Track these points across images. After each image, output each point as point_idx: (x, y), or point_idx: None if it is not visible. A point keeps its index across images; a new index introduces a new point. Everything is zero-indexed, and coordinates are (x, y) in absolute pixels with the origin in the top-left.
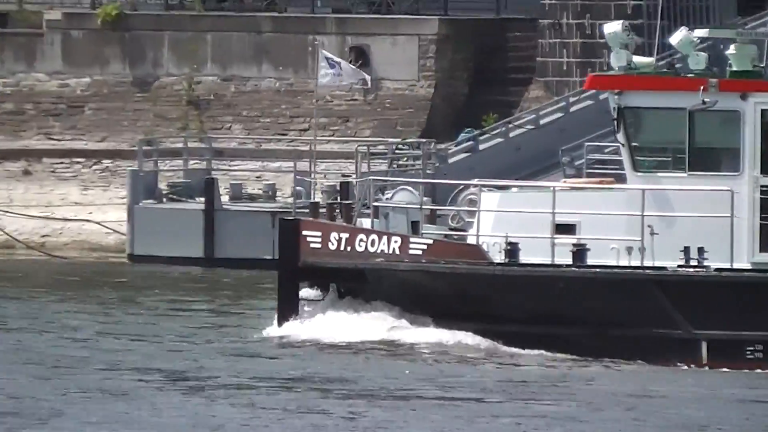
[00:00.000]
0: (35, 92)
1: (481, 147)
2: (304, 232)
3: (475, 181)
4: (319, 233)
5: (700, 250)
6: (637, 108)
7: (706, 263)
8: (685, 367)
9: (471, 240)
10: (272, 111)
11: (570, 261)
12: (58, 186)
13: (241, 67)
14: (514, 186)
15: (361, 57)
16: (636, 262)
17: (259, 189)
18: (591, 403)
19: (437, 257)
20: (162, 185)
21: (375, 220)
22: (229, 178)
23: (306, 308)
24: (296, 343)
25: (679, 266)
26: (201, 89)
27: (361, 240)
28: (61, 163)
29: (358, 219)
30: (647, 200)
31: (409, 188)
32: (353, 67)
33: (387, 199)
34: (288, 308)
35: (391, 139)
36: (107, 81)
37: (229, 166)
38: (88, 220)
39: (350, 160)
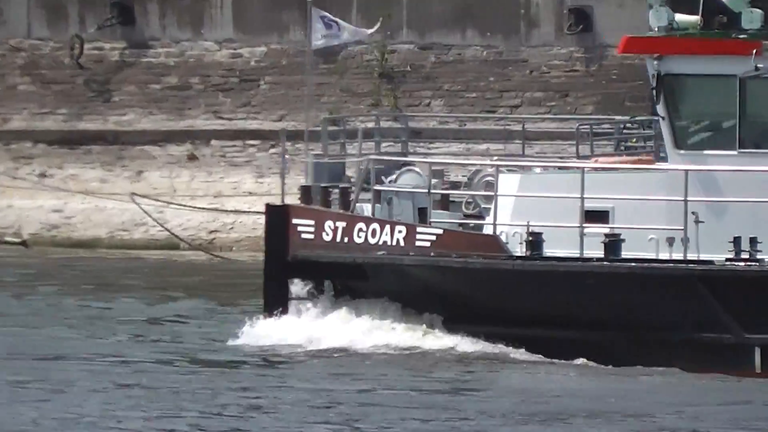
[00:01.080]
0: (202, 64)
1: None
2: (295, 221)
3: (491, 161)
4: (311, 221)
5: (753, 241)
6: (680, 75)
7: (759, 256)
8: (736, 378)
9: (487, 230)
10: (478, 84)
11: (601, 254)
12: (229, 173)
13: (442, 34)
14: (537, 166)
15: (582, 20)
16: (678, 255)
17: (464, 176)
18: (627, 420)
19: (448, 250)
20: (350, 172)
21: (376, 206)
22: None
23: (296, 308)
24: (284, 349)
25: (728, 260)
26: (395, 59)
27: (360, 230)
28: (233, 146)
29: (358, 205)
30: (691, 183)
31: (416, 169)
32: (353, 27)
33: (390, 181)
34: (275, 308)
35: (617, 117)
36: (286, 50)
37: (428, 149)
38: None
39: (569, 142)
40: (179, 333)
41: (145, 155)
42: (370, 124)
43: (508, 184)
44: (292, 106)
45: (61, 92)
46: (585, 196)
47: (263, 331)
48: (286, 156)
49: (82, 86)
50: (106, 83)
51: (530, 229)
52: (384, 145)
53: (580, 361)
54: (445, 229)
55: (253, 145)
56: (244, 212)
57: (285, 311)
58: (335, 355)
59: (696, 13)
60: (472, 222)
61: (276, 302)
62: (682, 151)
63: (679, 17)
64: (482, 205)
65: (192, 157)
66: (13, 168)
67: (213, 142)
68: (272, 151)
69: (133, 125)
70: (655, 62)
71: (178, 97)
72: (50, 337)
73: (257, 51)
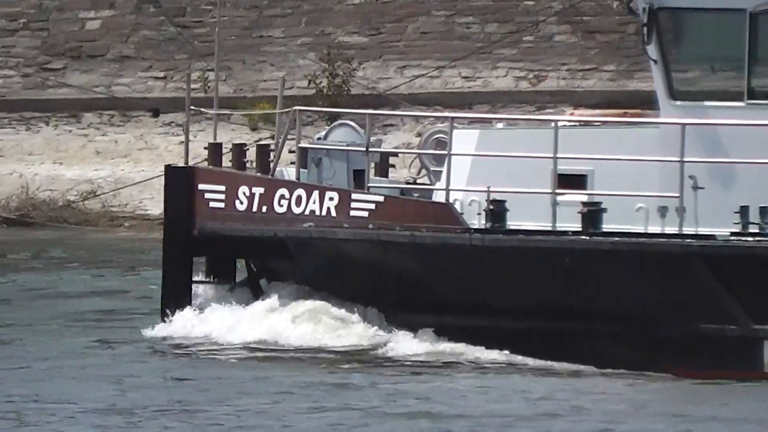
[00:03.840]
0: None
1: None
2: (201, 186)
3: (444, 114)
4: (222, 187)
5: (763, 212)
6: (677, 9)
7: None
8: (741, 378)
9: (439, 196)
10: None
11: (579, 226)
12: None
13: None
14: (500, 119)
15: None
16: (673, 229)
17: None
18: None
19: (390, 221)
20: None
21: (302, 169)
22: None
23: (202, 295)
24: (186, 347)
25: (734, 234)
26: None
27: (282, 197)
28: None
29: (280, 168)
30: (689, 140)
31: (351, 123)
32: None
33: (319, 138)
34: (176, 296)
35: None
36: None
37: None
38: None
39: None
40: None
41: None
42: None
43: (464, 141)
44: None
45: (607, 44)
46: (558, 155)
47: (163, 326)
48: None
49: (633, 37)
50: None
51: (491, 195)
52: None
53: (553, 358)
54: (386, 196)
55: None
56: None
57: (188, 299)
58: (244, 356)
59: None
60: (418, 187)
61: (177, 288)
62: (678, 102)
63: None
64: (432, 168)
65: None
66: None
67: None
68: None
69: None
70: None
71: None
72: None
73: None
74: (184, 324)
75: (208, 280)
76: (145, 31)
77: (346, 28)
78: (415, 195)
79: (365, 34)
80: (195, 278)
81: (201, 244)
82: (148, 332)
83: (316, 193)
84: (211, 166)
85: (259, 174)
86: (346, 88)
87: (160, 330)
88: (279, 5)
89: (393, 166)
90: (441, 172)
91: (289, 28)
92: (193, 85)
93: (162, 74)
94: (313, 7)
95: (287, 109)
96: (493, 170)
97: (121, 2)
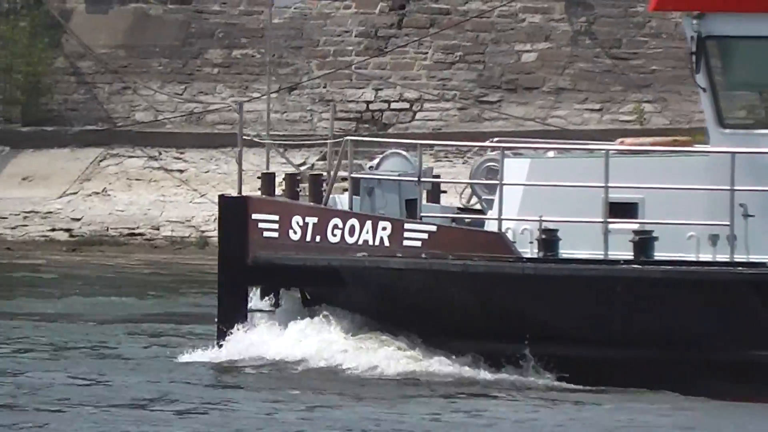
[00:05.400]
0: None
1: None
2: (255, 216)
3: (494, 143)
4: (275, 217)
5: None
6: (726, 37)
7: None
8: None
9: (491, 226)
10: None
11: (630, 255)
12: None
13: None
14: (551, 148)
15: None
16: (723, 257)
17: None
18: None
19: (443, 250)
20: None
21: (355, 197)
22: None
23: (257, 322)
24: (242, 372)
25: None
26: None
27: (335, 226)
28: None
29: (333, 196)
30: (739, 168)
31: (404, 153)
32: None
33: (371, 168)
34: (231, 323)
35: None
36: None
37: None
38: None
39: None
40: None
41: None
42: None
43: (515, 170)
44: None
45: None
46: (610, 184)
47: (217, 350)
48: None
49: None
50: None
51: (543, 225)
52: None
53: (604, 385)
54: (439, 226)
55: None
56: None
57: (243, 326)
58: (302, 381)
59: None
60: (470, 217)
61: (232, 315)
62: (727, 131)
63: None
64: (484, 197)
65: None
66: None
67: None
68: None
69: None
70: (695, 21)
71: None
72: None
73: None
74: (239, 350)
75: (263, 308)
76: (580, 63)
77: None
78: (468, 222)
79: None
80: (250, 307)
81: (255, 274)
82: (202, 357)
83: (369, 223)
84: (264, 196)
85: (312, 204)
86: None
87: (215, 355)
88: None
89: (444, 191)
90: (493, 200)
91: None
92: (628, 117)
93: (598, 106)
94: None
95: (339, 139)
96: (544, 199)
97: (557, 35)
